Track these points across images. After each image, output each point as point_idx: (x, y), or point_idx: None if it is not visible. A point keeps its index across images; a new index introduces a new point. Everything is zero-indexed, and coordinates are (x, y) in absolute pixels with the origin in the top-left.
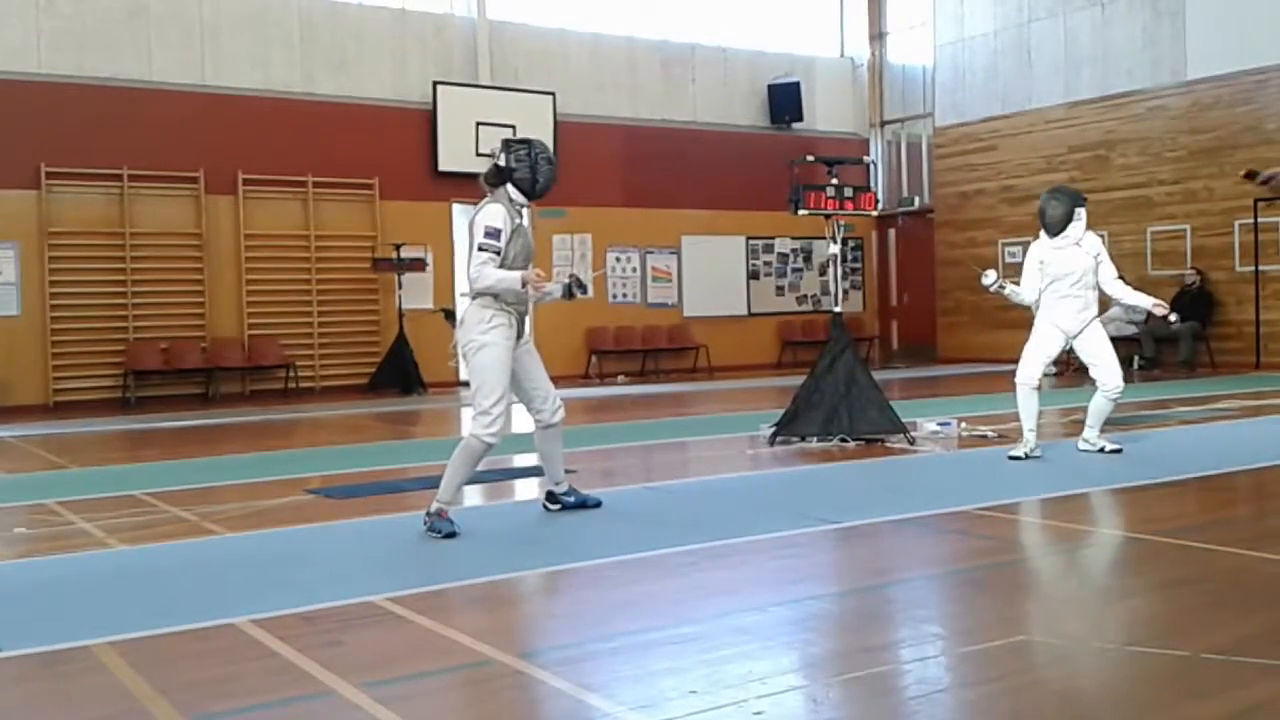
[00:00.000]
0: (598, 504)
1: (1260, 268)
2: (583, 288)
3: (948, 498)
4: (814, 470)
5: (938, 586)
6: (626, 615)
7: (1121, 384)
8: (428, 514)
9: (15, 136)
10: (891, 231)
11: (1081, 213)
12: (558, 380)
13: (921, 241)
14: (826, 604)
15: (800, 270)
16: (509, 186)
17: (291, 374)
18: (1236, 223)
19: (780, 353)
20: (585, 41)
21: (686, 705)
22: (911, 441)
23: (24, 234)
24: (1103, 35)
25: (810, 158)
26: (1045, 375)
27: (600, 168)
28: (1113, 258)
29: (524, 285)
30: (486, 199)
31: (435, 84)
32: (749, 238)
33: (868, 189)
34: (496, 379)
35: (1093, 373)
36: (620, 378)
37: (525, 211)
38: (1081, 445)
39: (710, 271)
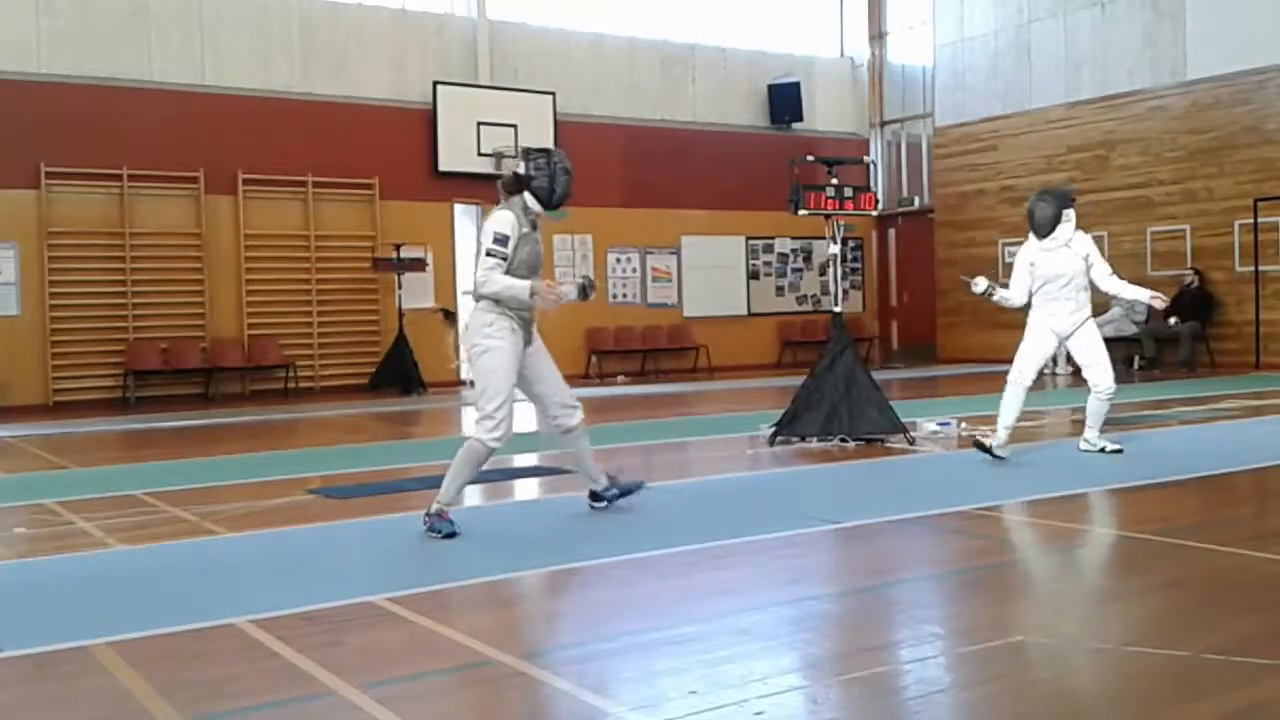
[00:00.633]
0: (640, 485)
1: (1260, 268)
2: (593, 286)
3: (947, 498)
4: (814, 470)
5: (937, 586)
6: (627, 615)
7: (1113, 385)
8: (428, 514)
9: (15, 136)
10: (891, 231)
11: (1070, 214)
12: None
13: (921, 241)
14: (826, 604)
15: (800, 270)
16: (526, 195)
17: (291, 374)
18: (1236, 223)
19: (780, 353)
20: (585, 41)
21: (686, 705)
22: (911, 441)
23: (24, 234)
24: (1103, 35)
25: (810, 158)
26: (1061, 375)
27: (600, 168)
28: (1113, 258)
29: (532, 295)
30: (499, 205)
31: (435, 84)
32: (749, 238)
33: (868, 189)
34: (500, 383)
35: (1085, 373)
36: (620, 378)
37: (538, 221)
38: (1082, 446)
39: (710, 271)
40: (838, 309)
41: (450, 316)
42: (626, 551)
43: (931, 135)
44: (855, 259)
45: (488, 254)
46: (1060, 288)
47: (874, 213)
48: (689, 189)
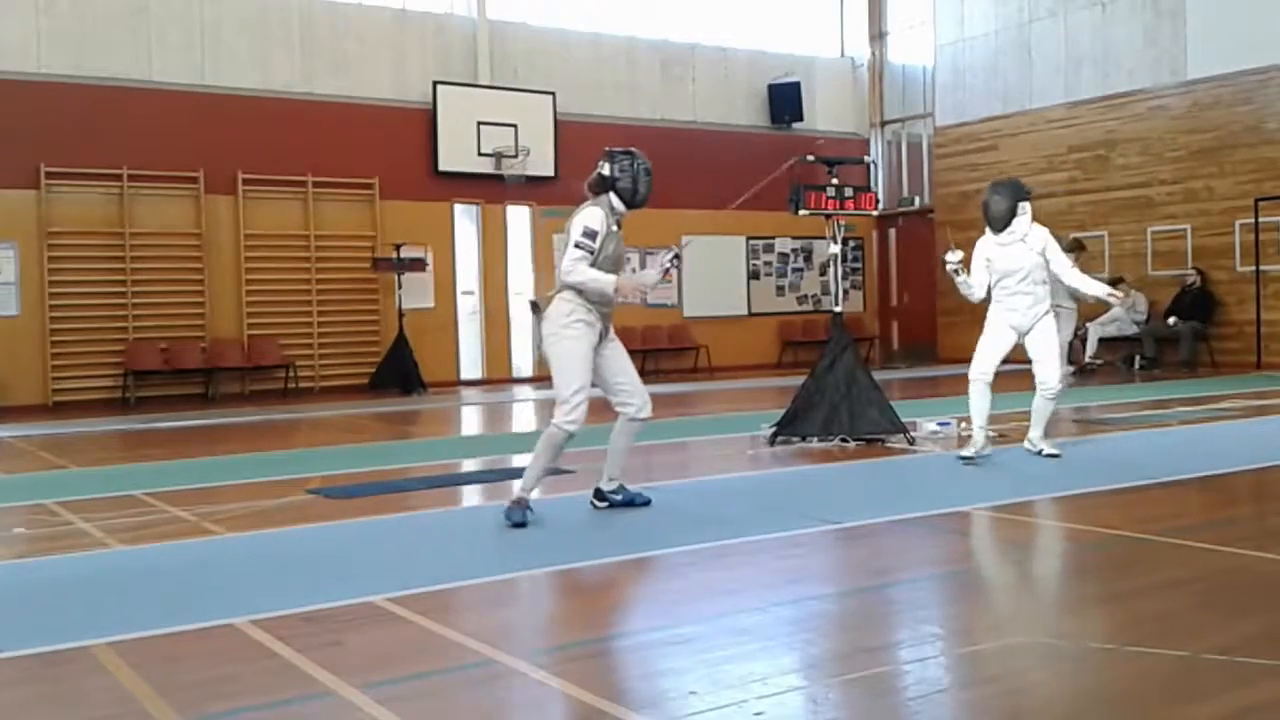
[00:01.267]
0: (647, 502)
1: (1261, 268)
2: (679, 260)
3: (947, 498)
4: (814, 470)
5: (937, 586)
6: (627, 615)
7: (1058, 384)
8: (512, 502)
9: (15, 136)
10: (892, 231)
11: (1026, 207)
12: None
13: (921, 241)
14: (826, 604)
15: (800, 270)
16: (611, 195)
17: (291, 374)
18: (1237, 223)
19: (780, 353)
20: (585, 41)
21: (686, 705)
22: (911, 441)
23: (23, 234)
24: (1103, 35)
25: (810, 158)
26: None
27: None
28: (1114, 258)
29: (616, 292)
30: (587, 202)
31: (435, 84)
32: (749, 238)
33: (868, 189)
34: (576, 369)
35: (1034, 368)
36: None
37: (621, 220)
38: (1025, 446)
39: (710, 271)
40: (838, 309)
41: (536, 307)
42: (626, 551)
43: (932, 135)
44: (856, 259)
45: (576, 245)
46: (1018, 282)
47: (874, 213)
48: (689, 189)
